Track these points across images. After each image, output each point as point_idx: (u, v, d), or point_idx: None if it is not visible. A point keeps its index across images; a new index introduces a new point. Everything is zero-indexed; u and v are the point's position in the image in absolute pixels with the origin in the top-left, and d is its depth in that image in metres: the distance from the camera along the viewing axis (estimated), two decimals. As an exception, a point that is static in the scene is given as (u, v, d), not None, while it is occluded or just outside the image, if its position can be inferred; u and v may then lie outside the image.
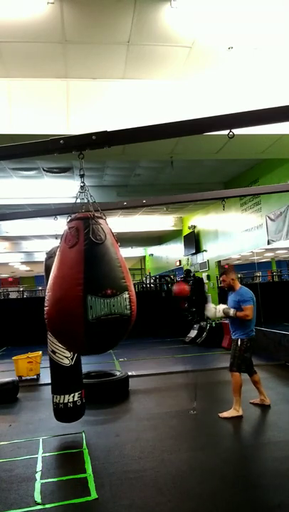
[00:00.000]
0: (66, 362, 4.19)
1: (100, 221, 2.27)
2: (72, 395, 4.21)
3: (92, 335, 2.11)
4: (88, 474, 3.44)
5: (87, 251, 2.14)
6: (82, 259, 2.13)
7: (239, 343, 4.81)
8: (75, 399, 4.22)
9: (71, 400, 4.20)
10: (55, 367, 4.26)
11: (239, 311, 4.79)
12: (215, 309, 5.02)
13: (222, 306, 5.01)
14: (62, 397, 4.20)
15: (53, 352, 4.20)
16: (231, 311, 4.82)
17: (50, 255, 4.06)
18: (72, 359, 4.21)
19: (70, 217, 2.32)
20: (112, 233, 2.32)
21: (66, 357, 4.18)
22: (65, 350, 4.15)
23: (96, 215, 2.28)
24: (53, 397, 4.31)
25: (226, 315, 4.91)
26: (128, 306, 2.17)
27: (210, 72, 5.34)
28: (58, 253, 2.27)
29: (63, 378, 4.25)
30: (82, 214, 2.30)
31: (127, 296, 2.17)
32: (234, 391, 4.78)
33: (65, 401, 4.20)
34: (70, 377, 4.24)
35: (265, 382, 6.23)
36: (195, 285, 11.98)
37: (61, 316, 2.15)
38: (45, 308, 2.23)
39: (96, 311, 2.05)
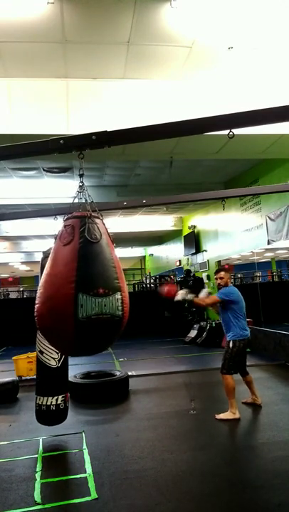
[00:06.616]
0: (53, 363, 4.10)
1: (97, 221, 2.26)
2: (55, 397, 4.10)
3: (82, 334, 2.06)
4: (88, 474, 3.44)
5: (81, 249, 2.12)
6: (76, 257, 2.10)
7: (231, 344, 4.75)
8: (59, 402, 4.11)
9: (54, 403, 4.09)
10: (42, 367, 4.16)
11: (222, 306, 4.81)
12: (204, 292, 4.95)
13: (183, 291, 4.93)
14: (45, 398, 4.11)
15: (41, 352, 4.13)
16: (188, 295, 4.80)
17: (46, 255, 4.02)
18: (59, 360, 4.11)
19: (66, 216, 2.31)
20: (108, 234, 2.30)
21: (53, 358, 4.09)
22: (52, 351, 4.07)
23: (93, 214, 2.27)
24: (36, 398, 4.21)
25: (186, 299, 4.85)
26: (120, 307, 2.12)
27: (210, 72, 5.35)
28: (52, 251, 2.25)
29: (48, 380, 4.14)
30: (80, 213, 2.29)
31: (120, 297, 2.13)
32: (227, 394, 4.70)
33: (48, 403, 4.09)
34: (55, 379, 4.14)
35: (265, 382, 6.25)
36: (195, 285, 11.96)
37: (51, 313, 2.10)
38: (36, 306, 2.19)
39: (87, 309, 2.01)
